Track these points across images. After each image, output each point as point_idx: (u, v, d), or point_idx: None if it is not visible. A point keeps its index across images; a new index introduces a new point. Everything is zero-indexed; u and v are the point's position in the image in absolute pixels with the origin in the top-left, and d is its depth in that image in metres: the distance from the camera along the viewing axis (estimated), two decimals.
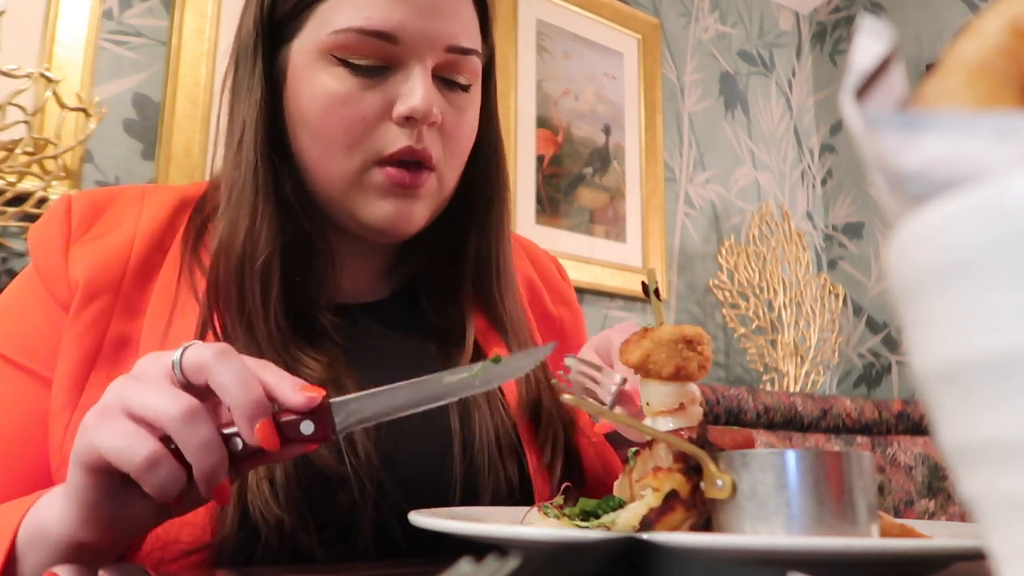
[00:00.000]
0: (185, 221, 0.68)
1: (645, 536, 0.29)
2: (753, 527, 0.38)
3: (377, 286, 0.73)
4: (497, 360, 0.51)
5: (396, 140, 0.62)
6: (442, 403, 0.49)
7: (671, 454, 0.45)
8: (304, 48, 0.63)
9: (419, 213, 0.65)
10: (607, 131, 2.31)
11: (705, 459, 0.41)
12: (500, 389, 0.68)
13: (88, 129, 1.48)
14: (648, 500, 0.42)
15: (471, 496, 0.62)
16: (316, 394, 0.45)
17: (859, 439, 1.95)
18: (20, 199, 1.42)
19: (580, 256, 2.14)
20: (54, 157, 1.44)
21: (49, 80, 1.45)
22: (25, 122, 1.42)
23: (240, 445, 0.45)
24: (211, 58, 1.67)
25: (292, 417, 0.46)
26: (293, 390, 0.45)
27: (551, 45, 2.24)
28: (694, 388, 0.50)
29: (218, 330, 0.61)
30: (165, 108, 1.63)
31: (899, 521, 0.45)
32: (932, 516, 1.89)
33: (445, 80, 0.65)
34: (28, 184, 1.43)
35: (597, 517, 0.47)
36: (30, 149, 1.43)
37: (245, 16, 0.67)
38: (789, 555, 0.34)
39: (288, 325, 0.62)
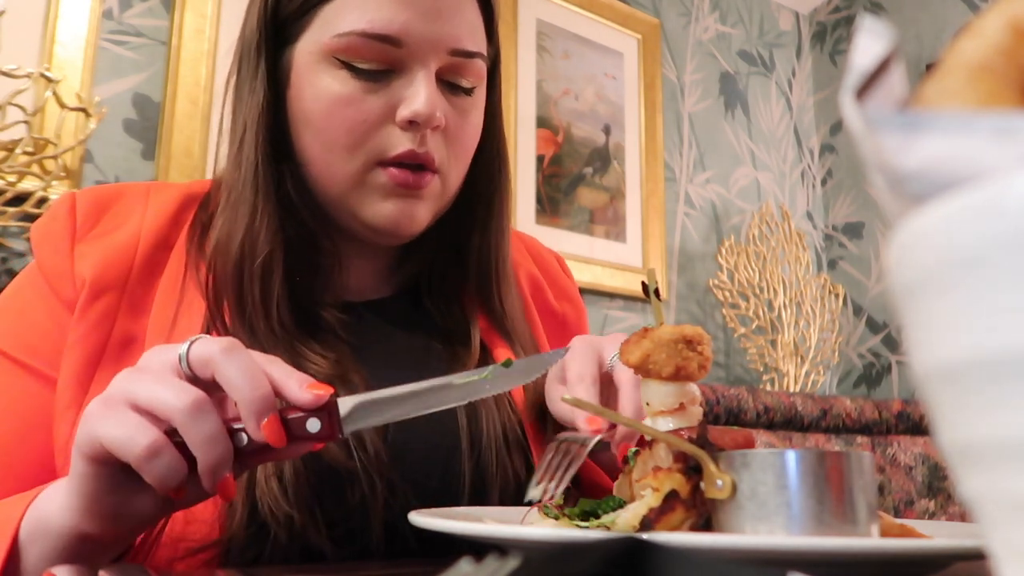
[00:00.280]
0: (190, 218, 0.68)
1: (645, 536, 0.29)
2: (753, 527, 0.38)
3: (381, 284, 0.73)
4: (508, 364, 0.51)
5: (399, 143, 0.62)
6: (452, 406, 0.49)
7: (671, 454, 0.45)
8: (307, 50, 0.63)
9: (422, 214, 0.65)
10: (607, 131, 2.31)
11: (705, 459, 0.41)
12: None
13: (88, 129, 1.48)
14: (648, 500, 0.42)
15: (480, 493, 0.62)
16: (324, 392, 0.45)
17: (859, 439, 1.95)
18: (20, 199, 1.42)
19: (580, 256, 2.14)
20: (54, 157, 1.44)
21: (49, 80, 1.45)
22: (25, 122, 1.42)
23: (245, 440, 0.45)
24: (211, 58, 1.67)
25: (299, 414, 0.45)
26: (300, 387, 0.45)
27: (551, 45, 2.24)
28: (694, 388, 0.50)
29: (224, 326, 0.61)
30: (165, 108, 1.63)
31: (899, 521, 0.45)
32: (932, 516, 1.89)
33: (449, 83, 0.65)
34: (28, 184, 1.43)
35: (597, 517, 0.47)
36: (30, 149, 1.43)
37: (249, 16, 0.67)
38: (789, 555, 0.34)
39: (293, 322, 0.62)
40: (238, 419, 0.45)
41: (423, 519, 0.46)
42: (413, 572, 0.49)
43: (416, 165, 0.63)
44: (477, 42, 0.65)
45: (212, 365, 0.44)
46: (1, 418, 0.59)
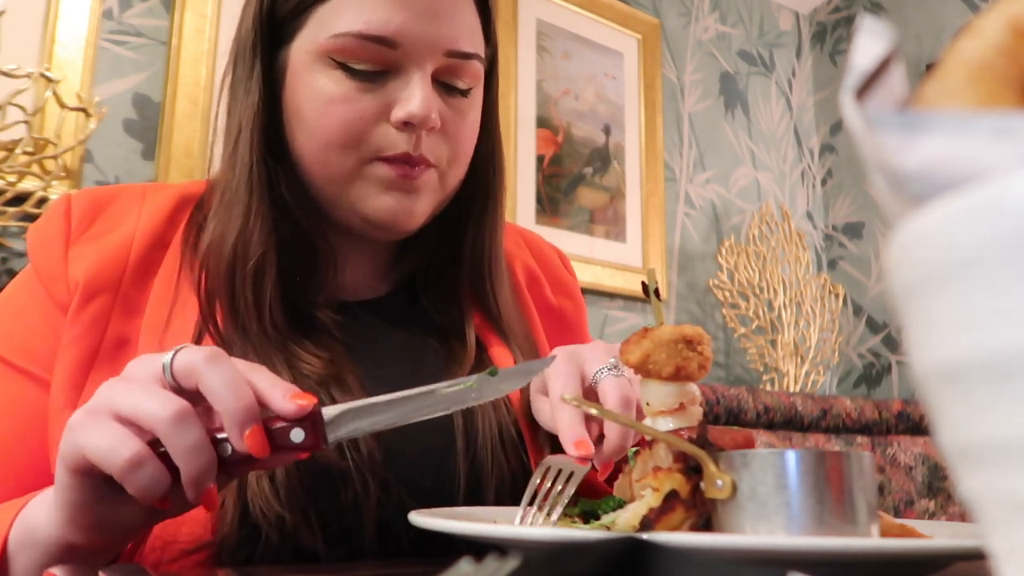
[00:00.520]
0: (186, 218, 0.67)
1: (645, 536, 0.29)
2: (753, 527, 0.38)
3: (377, 283, 0.73)
4: (494, 372, 0.51)
5: (394, 144, 0.62)
6: (437, 415, 0.49)
7: (671, 454, 0.45)
8: (303, 49, 0.63)
9: (420, 209, 0.65)
10: (607, 131, 2.31)
11: (705, 459, 0.41)
12: None
13: (88, 129, 1.48)
14: (648, 500, 0.42)
15: (475, 492, 0.62)
16: (307, 402, 0.45)
17: (859, 439, 1.95)
18: (20, 199, 1.42)
19: (580, 256, 2.14)
20: (54, 157, 1.44)
21: (49, 80, 1.45)
22: (25, 122, 1.42)
23: (230, 450, 0.44)
24: (211, 58, 1.67)
25: (283, 424, 0.45)
26: (284, 397, 0.45)
27: (551, 45, 2.24)
28: (694, 388, 0.50)
29: (219, 326, 0.61)
30: (165, 108, 1.63)
31: (899, 521, 0.45)
32: (932, 516, 1.89)
33: (445, 84, 0.64)
34: (28, 184, 1.43)
35: (597, 517, 0.47)
36: (30, 149, 1.43)
37: (245, 15, 0.67)
38: (789, 555, 0.34)
39: (287, 323, 0.62)
40: (223, 429, 0.44)
41: (423, 519, 0.45)
42: (408, 572, 0.48)
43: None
44: (474, 43, 0.65)
45: (195, 375, 0.44)
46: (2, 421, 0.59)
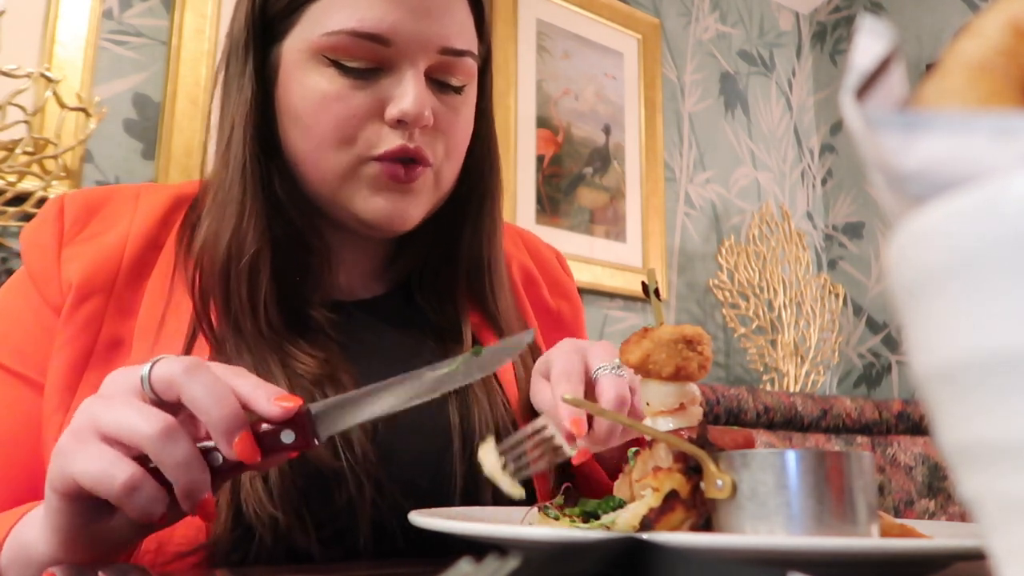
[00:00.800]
0: (180, 218, 0.67)
1: (645, 536, 0.29)
2: (753, 527, 0.38)
3: (373, 283, 0.73)
4: (478, 352, 0.51)
5: (389, 140, 0.62)
6: (427, 399, 0.49)
7: (671, 454, 0.45)
8: (296, 47, 0.62)
9: (415, 209, 0.65)
10: (607, 131, 2.31)
11: (705, 459, 0.41)
12: (500, 385, 0.68)
13: (88, 129, 1.48)
14: (648, 500, 0.42)
15: (472, 493, 0.62)
16: (292, 404, 0.44)
17: (859, 439, 1.95)
18: (20, 199, 1.42)
19: (580, 256, 2.14)
20: (54, 157, 1.44)
21: (49, 80, 1.45)
22: (25, 122, 1.42)
23: (220, 459, 0.44)
24: (211, 58, 1.67)
25: (271, 427, 0.45)
26: (268, 401, 0.44)
27: (551, 45, 2.24)
28: (694, 388, 0.50)
29: (212, 327, 0.61)
30: (165, 108, 1.63)
31: (899, 521, 0.45)
32: (932, 516, 1.89)
33: (438, 82, 0.64)
34: (28, 184, 1.43)
35: (597, 517, 0.47)
36: (30, 149, 1.43)
37: (237, 13, 0.66)
38: (789, 555, 0.34)
39: (281, 322, 0.62)
40: (209, 437, 0.44)
41: (423, 519, 0.45)
42: (405, 572, 0.48)
43: (407, 159, 0.63)
44: (467, 41, 0.65)
45: (175, 387, 0.43)
46: None
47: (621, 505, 0.49)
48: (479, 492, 0.62)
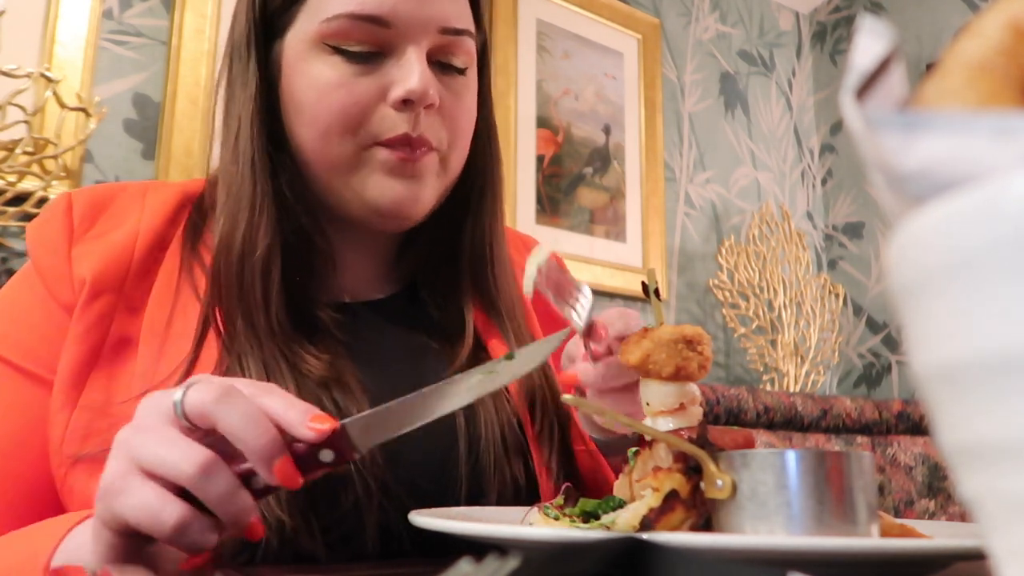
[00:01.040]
0: (186, 217, 0.67)
1: (645, 536, 0.29)
2: (753, 527, 0.38)
3: (378, 285, 0.73)
4: (511, 356, 0.51)
5: (393, 126, 0.61)
6: (461, 406, 0.49)
7: (671, 454, 0.45)
8: (297, 38, 0.63)
9: (425, 195, 0.65)
10: (607, 131, 2.31)
11: (705, 459, 0.41)
12: (506, 388, 0.68)
13: (88, 129, 1.48)
14: (648, 500, 0.42)
15: (477, 496, 0.61)
16: (327, 426, 0.44)
17: (859, 439, 1.95)
18: (20, 199, 1.42)
19: (580, 256, 2.14)
20: (54, 157, 1.44)
21: (49, 80, 1.45)
22: (25, 122, 1.42)
23: (261, 483, 0.44)
24: (211, 58, 1.67)
25: (310, 447, 0.44)
26: (303, 425, 0.44)
27: (551, 45, 2.24)
28: (694, 388, 0.50)
29: (220, 327, 0.61)
30: (165, 108, 1.63)
31: (899, 521, 0.45)
32: (932, 516, 1.89)
33: (441, 65, 0.64)
34: (28, 184, 1.43)
35: (597, 517, 0.47)
36: (30, 149, 1.43)
37: (237, 17, 0.67)
38: (789, 555, 0.34)
39: (289, 322, 0.62)
40: (246, 460, 0.44)
41: (424, 519, 0.45)
42: (407, 572, 0.48)
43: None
44: (466, 21, 0.65)
45: (210, 417, 0.43)
46: (3, 421, 0.59)
47: (621, 505, 0.49)
48: (484, 496, 0.62)
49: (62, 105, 1.46)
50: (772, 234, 2.45)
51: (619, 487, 0.51)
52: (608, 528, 0.44)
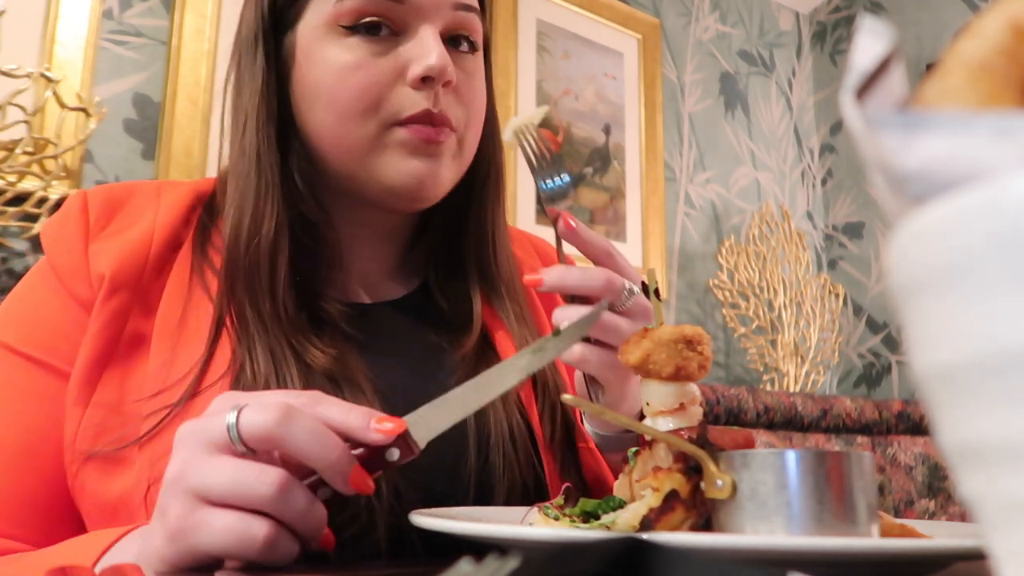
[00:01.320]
0: (197, 218, 0.68)
1: (645, 536, 0.29)
2: (753, 527, 0.38)
3: (393, 281, 0.73)
4: (557, 332, 0.52)
5: (413, 103, 0.61)
6: (511, 388, 0.50)
7: (671, 454, 0.45)
8: (311, 26, 0.63)
9: (444, 174, 0.65)
10: (607, 131, 2.31)
11: (705, 459, 0.41)
12: (516, 390, 0.68)
13: (88, 129, 1.48)
14: (648, 500, 0.42)
15: (485, 498, 0.61)
16: (394, 426, 0.44)
17: (859, 439, 1.95)
18: (20, 199, 1.42)
19: (580, 256, 2.14)
20: (54, 157, 1.44)
21: (49, 80, 1.45)
22: (25, 122, 1.42)
23: (329, 493, 0.45)
24: (211, 58, 1.67)
25: (375, 448, 0.45)
26: (368, 429, 0.44)
27: (551, 45, 2.24)
28: (694, 388, 0.50)
29: (232, 326, 0.60)
30: (165, 108, 1.63)
31: (899, 521, 0.45)
32: (932, 516, 1.89)
33: (454, 41, 0.65)
34: (28, 184, 1.43)
35: (597, 517, 0.47)
36: (30, 149, 1.43)
37: (245, 12, 0.67)
38: (789, 555, 0.34)
39: (296, 312, 0.62)
40: (312, 472, 0.44)
41: (424, 519, 0.45)
42: (407, 572, 0.48)
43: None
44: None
45: (276, 442, 0.42)
46: (22, 416, 0.59)
47: (621, 505, 0.49)
48: (492, 496, 0.62)
49: (62, 105, 1.46)
50: (772, 234, 2.45)
51: (619, 487, 0.51)
52: (608, 528, 0.44)
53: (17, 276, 1.44)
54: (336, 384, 0.59)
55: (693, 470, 0.42)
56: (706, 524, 0.42)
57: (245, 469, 0.42)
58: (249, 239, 0.61)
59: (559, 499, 0.51)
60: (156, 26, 1.66)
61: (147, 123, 1.62)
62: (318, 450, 0.42)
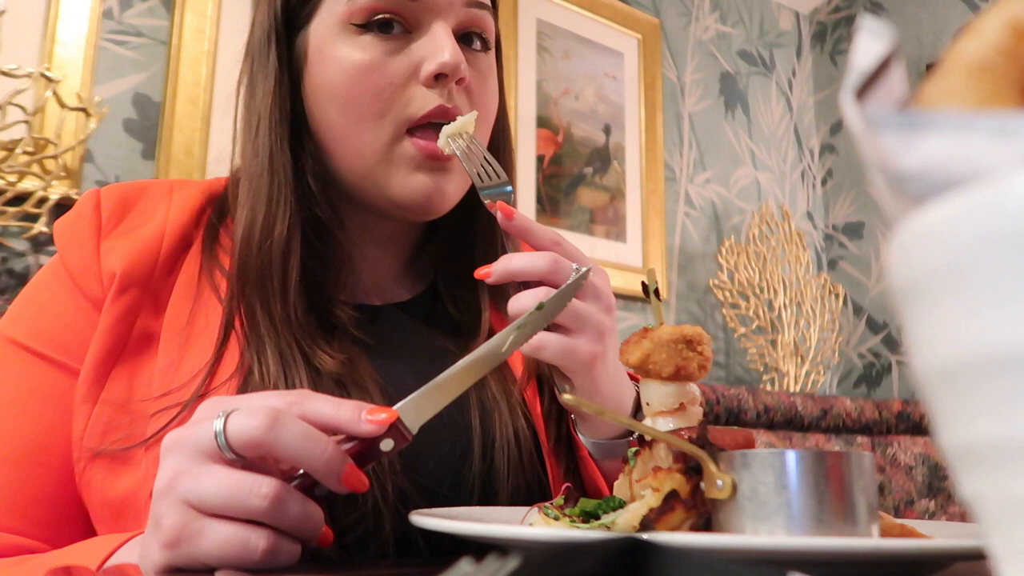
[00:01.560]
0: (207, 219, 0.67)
1: (645, 536, 0.29)
2: (753, 527, 0.38)
3: (401, 284, 0.73)
4: (541, 307, 0.52)
5: (427, 101, 0.61)
6: (498, 365, 0.50)
7: (671, 454, 0.45)
8: (324, 25, 0.63)
9: (452, 188, 0.65)
10: (607, 131, 2.31)
11: (705, 459, 0.41)
12: (519, 389, 0.68)
13: (88, 129, 1.48)
14: (648, 500, 0.42)
15: (489, 502, 0.61)
16: (387, 416, 0.44)
17: (859, 439, 1.95)
18: (20, 199, 1.42)
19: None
20: (54, 157, 1.44)
21: (49, 80, 1.45)
22: (25, 122, 1.42)
23: (327, 490, 0.44)
24: (211, 58, 1.67)
25: (368, 440, 0.45)
26: (360, 422, 0.44)
27: (551, 45, 2.24)
28: (694, 388, 0.50)
29: (241, 328, 0.60)
30: (165, 108, 1.63)
31: (899, 521, 0.45)
32: (932, 516, 1.89)
33: (466, 41, 0.65)
34: (28, 184, 1.43)
35: (597, 517, 0.47)
36: (30, 149, 1.43)
37: (258, 15, 0.67)
38: (789, 555, 0.34)
39: (306, 315, 0.62)
40: (301, 473, 0.44)
41: (424, 519, 0.45)
42: (408, 572, 0.48)
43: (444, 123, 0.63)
44: None
45: (265, 446, 0.42)
46: (33, 413, 0.59)
47: (621, 505, 0.49)
48: (496, 498, 0.62)
49: (62, 105, 1.46)
50: (772, 234, 2.45)
51: (619, 487, 0.51)
52: (608, 528, 0.44)
53: (17, 276, 1.44)
54: (344, 387, 0.59)
55: (693, 470, 0.42)
56: (706, 524, 0.42)
57: (238, 480, 0.41)
58: (261, 240, 0.61)
59: (559, 499, 0.51)
60: (156, 26, 1.66)
61: (147, 123, 1.62)
62: (309, 453, 0.42)
